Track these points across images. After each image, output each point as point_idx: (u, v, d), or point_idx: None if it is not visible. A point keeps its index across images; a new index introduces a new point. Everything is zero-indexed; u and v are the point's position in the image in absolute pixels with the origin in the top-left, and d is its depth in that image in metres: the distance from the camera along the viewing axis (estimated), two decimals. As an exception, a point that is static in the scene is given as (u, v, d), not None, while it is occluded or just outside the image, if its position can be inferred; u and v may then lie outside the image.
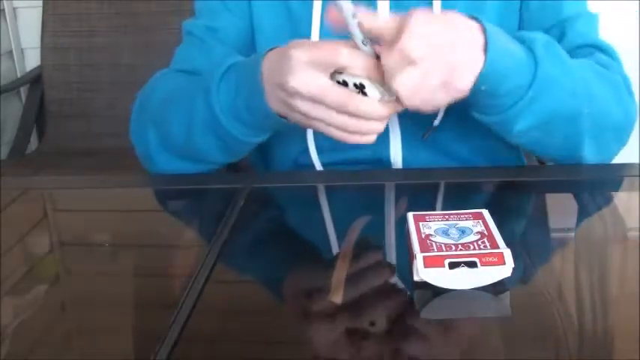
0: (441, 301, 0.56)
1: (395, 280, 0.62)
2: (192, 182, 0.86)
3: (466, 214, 0.64)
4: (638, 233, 0.70)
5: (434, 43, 0.67)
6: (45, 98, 2.24)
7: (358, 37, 0.68)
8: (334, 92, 0.69)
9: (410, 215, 0.64)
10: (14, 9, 2.41)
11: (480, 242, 0.59)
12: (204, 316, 0.58)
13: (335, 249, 0.68)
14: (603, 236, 0.73)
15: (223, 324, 0.58)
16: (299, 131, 0.90)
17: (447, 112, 0.87)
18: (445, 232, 0.61)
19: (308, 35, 0.88)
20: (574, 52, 0.84)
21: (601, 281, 0.62)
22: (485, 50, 0.70)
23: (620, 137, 0.84)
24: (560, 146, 0.81)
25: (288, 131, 0.84)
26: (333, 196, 0.82)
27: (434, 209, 0.72)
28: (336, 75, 0.70)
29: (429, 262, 0.57)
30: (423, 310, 0.57)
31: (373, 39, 0.69)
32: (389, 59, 0.67)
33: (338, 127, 0.71)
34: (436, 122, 0.88)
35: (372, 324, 0.55)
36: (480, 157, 0.92)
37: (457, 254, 0.57)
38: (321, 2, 0.88)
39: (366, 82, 0.69)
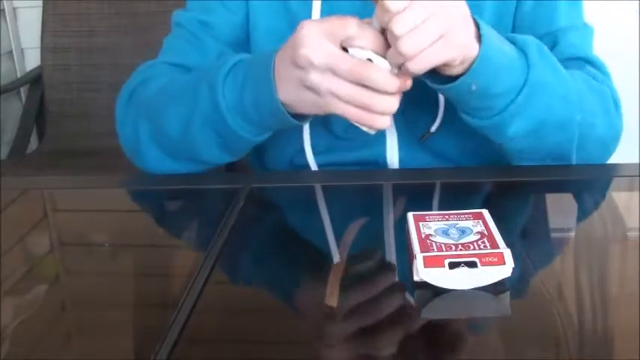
0: (441, 301, 0.56)
1: (393, 280, 0.62)
2: (191, 182, 0.86)
3: (466, 214, 0.64)
4: (638, 233, 0.71)
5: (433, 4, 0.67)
6: (45, 98, 2.24)
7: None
8: (347, 59, 0.69)
9: (410, 215, 0.64)
10: (14, 9, 2.41)
11: (480, 242, 0.59)
12: (204, 316, 0.58)
13: (334, 250, 0.68)
14: (603, 236, 0.73)
15: (223, 324, 0.58)
16: (295, 131, 0.90)
17: (444, 116, 0.87)
18: (445, 232, 0.61)
19: None
20: (564, 63, 0.83)
21: (601, 281, 0.62)
22: (479, 43, 0.70)
23: (604, 150, 0.84)
24: (550, 153, 0.81)
25: (284, 131, 0.84)
26: (333, 196, 0.82)
27: (433, 209, 0.72)
28: (347, 50, 0.70)
29: (429, 262, 0.57)
30: (423, 310, 0.57)
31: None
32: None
33: (354, 101, 0.70)
34: (434, 128, 0.88)
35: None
36: (477, 160, 0.92)
37: (457, 254, 0.57)
38: (320, 2, 0.88)
39: (373, 56, 0.70)
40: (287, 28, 0.89)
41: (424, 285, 0.57)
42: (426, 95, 0.86)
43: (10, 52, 2.40)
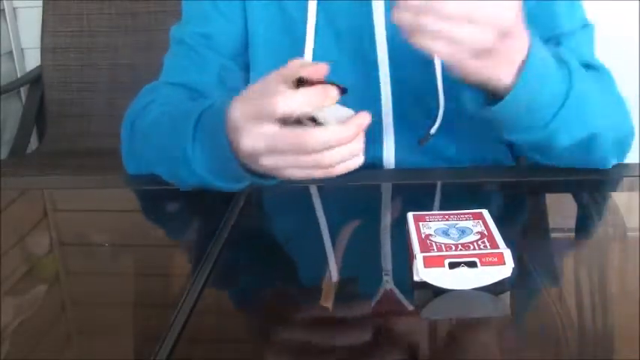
0: (441, 301, 0.56)
1: (389, 281, 0.62)
2: (192, 182, 0.86)
3: (466, 214, 0.64)
4: (638, 233, 0.71)
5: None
6: (45, 98, 2.24)
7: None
8: (284, 136, 0.63)
9: (410, 215, 0.64)
10: (14, 9, 2.41)
11: (479, 242, 0.59)
12: (204, 316, 0.58)
13: (332, 251, 0.68)
14: (603, 236, 0.73)
15: (223, 324, 0.58)
16: None
17: (442, 117, 0.87)
18: (445, 232, 0.61)
19: (303, 35, 0.87)
20: None
21: (601, 281, 0.62)
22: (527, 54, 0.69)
23: (622, 152, 0.85)
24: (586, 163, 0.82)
25: None
26: (333, 196, 0.82)
27: (433, 210, 0.72)
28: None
29: (429, 262, 0.57)
30: (423, 310, 0.57)
31: None
32: None
33: (315, 167, 0.65)
34: (433, 130, 0.88)
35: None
36: (475, 163, 0.91)
37: (457, 254, 0.57)
38: (315, 2, 0.87)
39: (315, 113, 0.63)
40: (284, 29, 0.89)
41: (424, 285, 0.57)
42: (421, 97, 0.86)
43: (10, 52, 2.40)
